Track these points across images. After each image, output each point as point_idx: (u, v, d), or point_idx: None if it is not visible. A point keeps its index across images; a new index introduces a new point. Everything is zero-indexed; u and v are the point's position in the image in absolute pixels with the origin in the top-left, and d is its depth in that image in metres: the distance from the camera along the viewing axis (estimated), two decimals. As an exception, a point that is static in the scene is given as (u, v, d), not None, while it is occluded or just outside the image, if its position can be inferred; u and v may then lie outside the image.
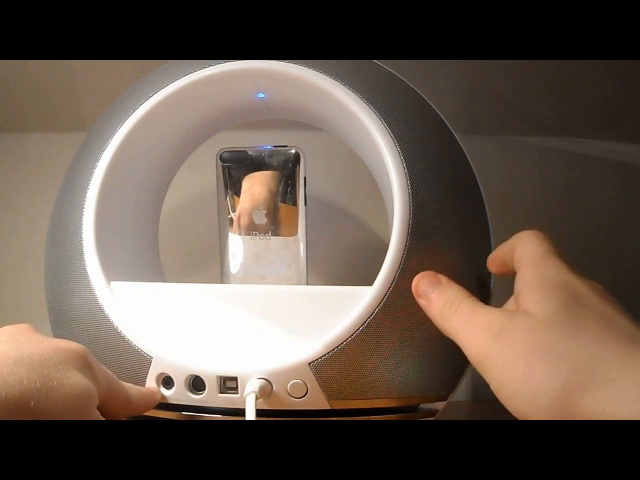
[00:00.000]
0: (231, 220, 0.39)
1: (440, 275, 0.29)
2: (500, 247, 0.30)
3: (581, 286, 0.25)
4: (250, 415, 0.28)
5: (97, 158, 0.36)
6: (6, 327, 0.26)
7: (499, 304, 0.33)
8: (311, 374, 0.30)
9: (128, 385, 0.30)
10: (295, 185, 0.38)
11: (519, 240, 0.28)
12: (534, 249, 0.27)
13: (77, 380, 0.24)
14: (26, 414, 0.21)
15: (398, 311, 0.30)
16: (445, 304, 0.28)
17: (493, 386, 0.25)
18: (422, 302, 0.29)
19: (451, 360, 0.32)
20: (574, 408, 0.22)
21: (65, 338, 0.34)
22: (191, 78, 0.35)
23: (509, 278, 0.33)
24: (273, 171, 0.38)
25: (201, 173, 0.43)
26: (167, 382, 0.32)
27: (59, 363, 0.24)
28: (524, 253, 0.27)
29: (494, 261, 0.31)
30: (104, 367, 0.28)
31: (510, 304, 0.29)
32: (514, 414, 0.24)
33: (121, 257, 0.37)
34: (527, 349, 0.23)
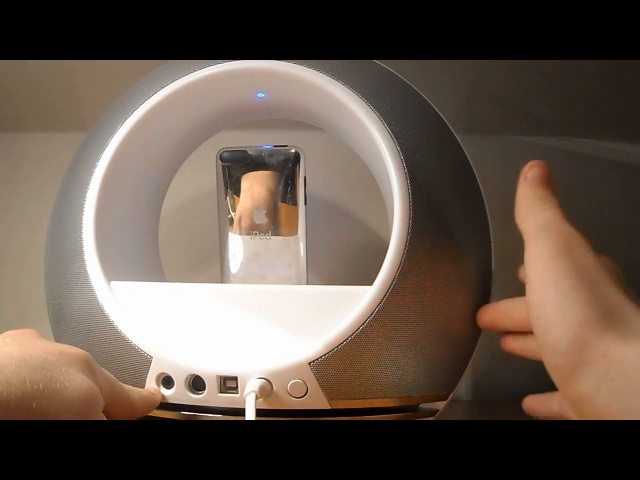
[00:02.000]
0: (231, 220, 0.39)
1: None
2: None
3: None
4: (250, 415, 0.28)
5: (97, 158, 0.36)
6: (10, 331, 0.26)
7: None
8: (311, 374, 0.30)
9: (130, 388, 0.30)
10: (295, 185, 0.38)
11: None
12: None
13: (80, 383, 0.24)
14: (28, 415, 0.21)
15: (398, 311, 0.30)
16: (541, 199, 0.29)
17: (533, 286, 0.27)
18: (522, 183, 0.30)
19: (451, 360, 0.32)
20: (593, 340, 0.24)
21: (65, 338, 0.34)
22: (191, 78, 0.35)
23: (509, 278, 0.33)
24: (273, 171, 0.38)
25: (201, 173, 0.43)
26: (167, 382, 0.32)
27: (62, 366, 0.24)
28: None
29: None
30: (106, 371, 0.28)
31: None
32: (535, 321, 0.27)
33: (121, 257, 0.37)
34: (582, 276, 0.26)
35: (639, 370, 0.23)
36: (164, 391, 0.32)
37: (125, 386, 0.29)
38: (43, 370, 0.23)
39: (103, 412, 0.26)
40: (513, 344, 0.32)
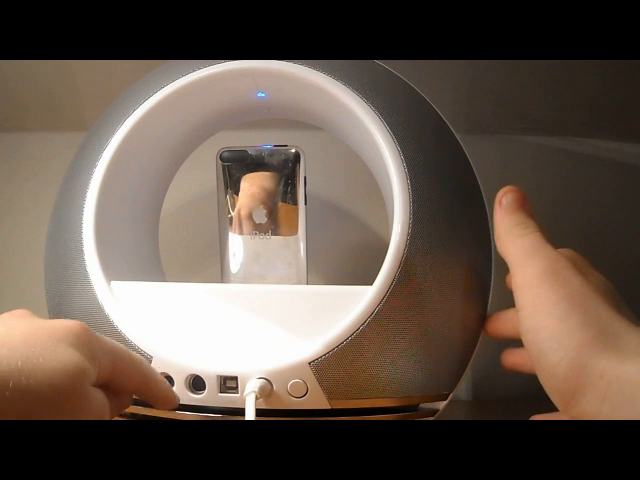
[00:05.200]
0: (231, 220, 0.39)
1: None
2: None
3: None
4: (250, 415, 0.28)
5: (97, 158, 0.36)
6: (3, 314, 0.26)
7: (499, 303, 0.33)
8: (311, 374, 0.30)
9: (142, 359, 0.29)
10: (295, 184, 0.38)
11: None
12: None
13: (68, 357, 0.23)
14: (4, 395, 0.20)
15: (398, 311, 0.30)
16: (520, 224, 0.30)
17: (525, 312, 0.27)
18: (498, 209, 0.31)
19: (451, 359, 0.32)
20: (590, 361, 0.24)
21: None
22: (191, 78, 0.35)
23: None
24: (273, 171, 0.38)
25: (201, 173, 0.43)
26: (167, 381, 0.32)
27: (49, 340, 0.23)
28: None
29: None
30: (109, 342, 0.27)
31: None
32: (531, 347, 0.27)
33: (121, 257, 0.37)
34: (573, 299, 0.26)
35: (635, 386, 0.23)
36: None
37: (136, 355, 0.28)
38: (24, 347, 0.22)
39: (111, 384, 0.26)
40: (513, 359, 0.33)
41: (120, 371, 0.27)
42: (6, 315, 0.26)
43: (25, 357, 0.22)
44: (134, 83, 0.38)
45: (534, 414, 0.30)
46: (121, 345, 0.28)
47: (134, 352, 0.29)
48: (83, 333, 0.25)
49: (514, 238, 0.29)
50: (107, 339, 0.27)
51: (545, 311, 0.26)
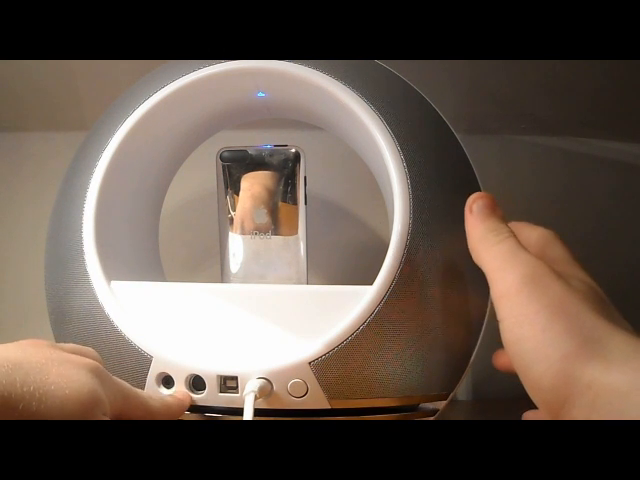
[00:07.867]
0: (231, 219, 0.39)
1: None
2: None
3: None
4: (248, 415, 0.28)
5: (97, 158, 0.36)
6: (25, 340, 0.26)
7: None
8: (311, 373, 0.30)
9: (149, 396, 0.29)
10: (295, 184, 0.38)
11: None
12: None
13: (80, 386, 0.23)
14: (13, 415, 0.20)
15: (398, 311, 0.30)
16: (493, 231, 0.29)
17: (506, 323, 0.26)
18: (469, 217, 0.30)
19: (451, 359, 0.32)
20: (576, 371, 0.24)
21: (65, 338, 0.34)
22: (191, 78, 0.35)
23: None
24: (273, 170, 0.38)
25: (201, 173, 0.43)
26: (167, 381, 0.32)
27: (65, 370, 0.23)
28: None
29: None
30: (119, 381, 0.27)
31: None
32: (515, 358, 0.26)
33: (121, 257, 0.37)
34: (555, 306, 0.25)
35: (623, 396, 0.22)
36: (164, 391, 0.32)
37: (143, 394, 0.28)
38: (40, 374, 0.22)
39: (118, 419, 0.26)
40: (505, 360, 0.32)
41: (128, 409, 0.27)
42: (26, 342, 0.26)
43: (39, 382, 0.22)
44: (134, 83, 0.38)
45: (527, 410, 0.30)
46: (127, 384, 0.28)
47: (139, 390, 0.29)
48: (98, 370, 0.25)
49: (489, 246, 0.28)
50: (116, 378, 0.27)
51: (527, 321, 0.25)
